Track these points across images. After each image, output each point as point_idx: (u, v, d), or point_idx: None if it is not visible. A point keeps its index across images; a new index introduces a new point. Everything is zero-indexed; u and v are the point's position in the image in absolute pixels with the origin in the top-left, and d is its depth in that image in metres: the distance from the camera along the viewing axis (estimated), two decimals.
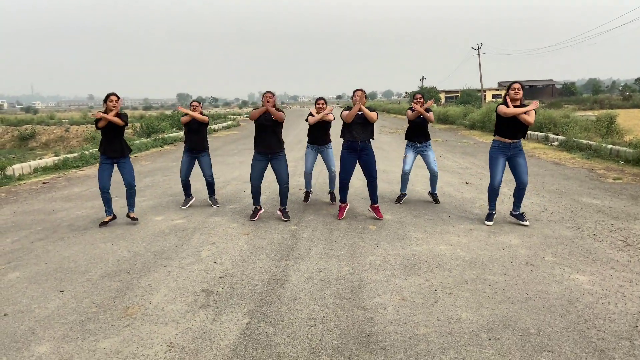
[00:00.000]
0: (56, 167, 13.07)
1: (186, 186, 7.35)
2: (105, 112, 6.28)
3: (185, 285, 4.40)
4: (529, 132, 18.81)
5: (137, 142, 18.04)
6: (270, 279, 4.49)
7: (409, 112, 7.28)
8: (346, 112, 6.12)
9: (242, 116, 47.46)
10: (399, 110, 50.02)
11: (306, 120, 7.13)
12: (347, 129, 6.23)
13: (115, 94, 6.39)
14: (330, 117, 6.98)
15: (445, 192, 8.25)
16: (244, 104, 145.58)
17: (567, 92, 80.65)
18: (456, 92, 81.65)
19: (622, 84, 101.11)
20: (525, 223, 6.12)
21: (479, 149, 15.39)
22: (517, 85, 5.83)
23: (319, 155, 7.37)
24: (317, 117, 6.96)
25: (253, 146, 6.41)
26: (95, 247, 5.66)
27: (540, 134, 17.66)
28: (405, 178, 7.40)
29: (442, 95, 77.05)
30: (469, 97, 57.15)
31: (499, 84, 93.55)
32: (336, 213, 6.91)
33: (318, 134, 7.19)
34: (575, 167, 11.15)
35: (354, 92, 6.26)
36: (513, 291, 4.10)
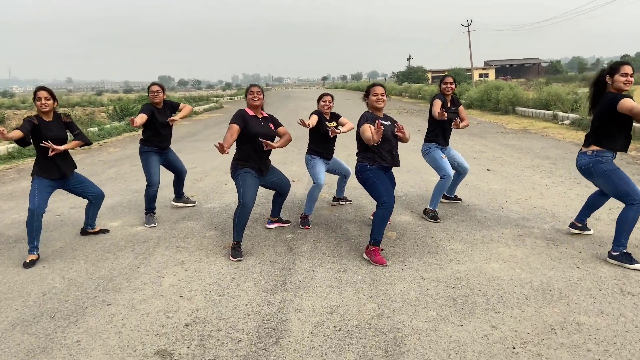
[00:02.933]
0: (10, 157, 11.40)
1: (155, 196, 5.42)
2: (37, 117, 4.37)
3: (132, 341, 2.93)
4: (534, 110, 17.48)
5: (108, 126, 16.34)
6: (260, 328, 3.03)
7: (437, 108, 5.06)
8: (368, 130, 3.91)
9: (225, 98, 45.52)
10: (387, 91, 48.27)
11: (307, 125, 4.82)
12: (374, 149, 4.12)
13: (45, 89, 4.42)
14: (337, 132, 5.01)
15: (469, 183, 6.84)
16: (228, 86, 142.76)
17: (553, 70, 79.86)
18: (443, 71, 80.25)
19: (607, 61, 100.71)
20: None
21: (485, 130, 14.01)
22: (629, 70, 3.75)
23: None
24: (342, 129, 5.08)
25: (238, 157, 4.38)
26: (20, 271, 4.14)
27: (547, 112, 16.33)
28: (447, 185, 5.22)
29: (430, 75, 75.58)
30: (458, 77, 55.85)
31: (486, 62, 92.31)
32: (337, 216, 5.48)
33: (329, 145, 5.17)
34: None
35: (370, 88, 4.28)
36: (630, 347, 2.71)
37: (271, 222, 5.05)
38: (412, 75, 69.25)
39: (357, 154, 4.29)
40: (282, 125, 4.61)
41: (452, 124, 5.14)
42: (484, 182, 6.95)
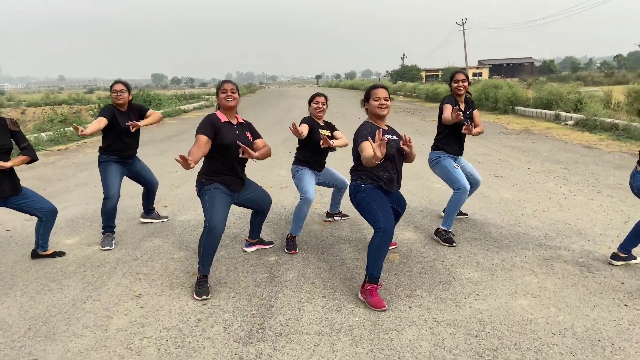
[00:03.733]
0: None
1: (113, 212, 4.53)
2: None
3: None
4: (534, 110, 16.82)
5: (87, 124, 15.50)
6: None
7: (448, 112, 4.17)
8: (368, 147, 3.09)
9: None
10: None
11: (300, 133, 3.98)
12: (372, 168, 3.30)
13: None
14: (332, 144, 4.09)
15: (477, 191, 6.11)
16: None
17: (546, 70, 79.62)
18: (437, 70, 79.88)
19: (599, 61, 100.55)
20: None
21: (486, 130, 13.30)
22: None
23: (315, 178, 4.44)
24: (335, 143, 4.15)
25: (206, 170, 3.53)
26: None
27: (549, 112, 15.66)
28: (464, 200, 4.33)
29: (423, 74, 75.02)
30: None
31: (479, 62, 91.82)
32: (329, 236, 4.75)
33: (320, 156, 4.36)
34: (614, 152, 9.13)
35: (370, 90, 3.41)
36: None
37: (250, 245, 4.23)
38: (406, 74, 68.57)
39: (350, 170, 3.54)
40: (260, 137, 3.79)
41: (463, 128, 4.24)
42: (494, 190, 6.23)
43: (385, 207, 3.25)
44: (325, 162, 4.46)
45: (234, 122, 3.59)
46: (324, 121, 4.44)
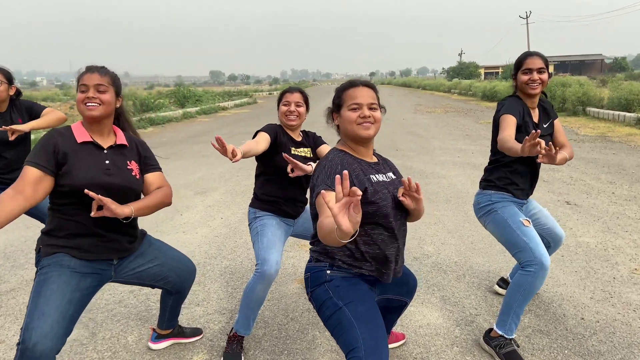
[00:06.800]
0: None
1: None
2: None
3: None
4: (610, 112, 14.40)
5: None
6: None
7: (511, 131, 2.36)
8: (328, 205, 1.28)
9: (264, 92, 43.80)
10: (435, 87, 45.06)
11: (227, 152, 2.05)
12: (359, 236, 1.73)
13: None
14: (309, 169, 2.37)
15: None
16: (275, 81, 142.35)
17: (617, 68, 73.52)
18: (496, 67, 75.92)
19: None
20: None
21: None
22: None
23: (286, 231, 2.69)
24: (302, 169, 2.36)
25: (49, 228, 1.95)
26: None
27: (629, 114, 13.23)
28: (539, 285, 2.38)
29: (482, 71, 71.40)
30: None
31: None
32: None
33: (295, 190, 2.63)
34: None
35: (344, 90, 1.85)
36: None
37: (159, 338, 2.61)
38: (464, 71, 65.29)
39: (310, 242, 1.93)
40: (159, 170, 2.18)
41: (540, 156, 2.09)
42: (568, 229, 4.41)
43: (371, 318, 1.66)
44: (305, 200, 2.75)
45: (105, 144, 2.03)
46: (303, 132, 2.79)
